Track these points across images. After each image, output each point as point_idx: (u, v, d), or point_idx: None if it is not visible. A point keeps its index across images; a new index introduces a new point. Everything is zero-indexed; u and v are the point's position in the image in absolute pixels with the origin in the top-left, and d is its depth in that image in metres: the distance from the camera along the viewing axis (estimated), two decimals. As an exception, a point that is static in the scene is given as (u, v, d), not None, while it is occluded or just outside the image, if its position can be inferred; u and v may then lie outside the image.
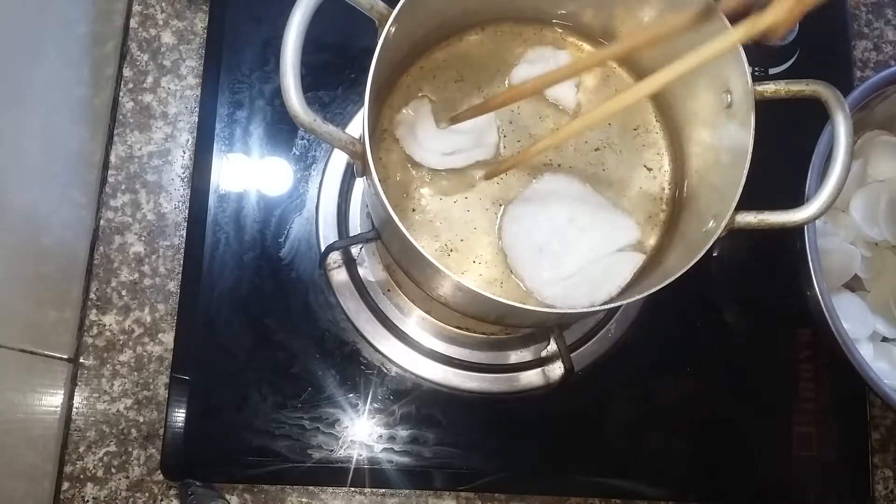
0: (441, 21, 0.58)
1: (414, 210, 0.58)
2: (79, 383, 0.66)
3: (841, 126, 0.47)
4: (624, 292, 0.58)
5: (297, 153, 0.71)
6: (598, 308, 0.55)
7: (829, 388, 0.71)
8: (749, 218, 0.49)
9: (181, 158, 0.71)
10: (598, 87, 0.62)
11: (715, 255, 0.73)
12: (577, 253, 0.57)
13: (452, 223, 0.58)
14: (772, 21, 0.43)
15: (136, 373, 0.67)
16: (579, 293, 0.57)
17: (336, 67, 0.73)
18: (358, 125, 0.71)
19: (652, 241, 0.60)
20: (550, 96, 0.61)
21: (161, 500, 0.65)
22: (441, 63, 0.61)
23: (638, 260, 0.58)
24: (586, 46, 0.63)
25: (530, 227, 0.58)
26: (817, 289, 0.61)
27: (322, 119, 0.45)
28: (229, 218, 0.69)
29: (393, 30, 0.49)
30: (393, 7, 0.48)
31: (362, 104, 0.48)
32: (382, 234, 0.60)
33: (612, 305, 0.52)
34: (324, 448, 0.66)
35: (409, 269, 0.60)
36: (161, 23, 0.74)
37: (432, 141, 0.58)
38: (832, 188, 0.47)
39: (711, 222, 0.51)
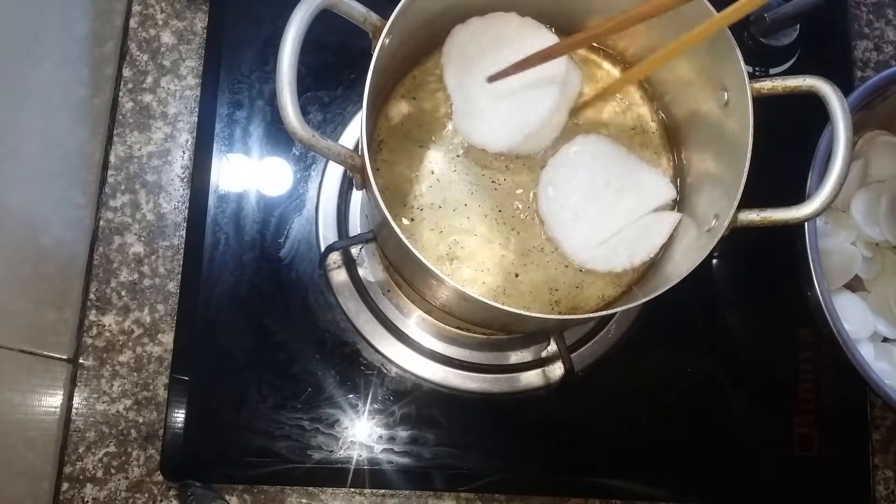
0: (434, 30, 0.58)
1: (413, 220, 0.58)
2: (78, 384, 0.66)
3: (839, 119, 0.47)
4: (627, 296, 0.58)
5: (297, 153, 0.71)
6: (597, 315, 0.54)
7: (829, 389, 0.71)
8: (752, 216, 0.49)
9: (181, 158, 0.71)
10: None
11: (715, 255, 0.73)
12: (616, 215, 0.57)
13: (452, 231, 0.57)
14: None
15: (135, 373, 0.67)
16: (620, 255, 0.57)
17: (336, 67, 0.72)
18: (358, 125, 0.70)
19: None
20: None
21: (160, 501, 0.65)
22: (434, 71, 0.60)
23: (675, 219, 0.58)
24: (580, 49, 0.63)
25: (567, 191, 0.57)
26: (818, 289, 0.60)
27: (320, 135, 0.45)
28: (229, 218, 0.69)
29: (387, 41, 0.49)
30: (386, 18, 0.48)
31: (361, 105, 0.48)
32: (383, 245, 0.60)
33: (618, 309, 0.52)
34: (324, 449, 0.65)
35: (411, 280, 0.60)
36: (161, 23, 0.74)
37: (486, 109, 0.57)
38: (834, 182, 0.47)
39: (714, 221, 0.51)
